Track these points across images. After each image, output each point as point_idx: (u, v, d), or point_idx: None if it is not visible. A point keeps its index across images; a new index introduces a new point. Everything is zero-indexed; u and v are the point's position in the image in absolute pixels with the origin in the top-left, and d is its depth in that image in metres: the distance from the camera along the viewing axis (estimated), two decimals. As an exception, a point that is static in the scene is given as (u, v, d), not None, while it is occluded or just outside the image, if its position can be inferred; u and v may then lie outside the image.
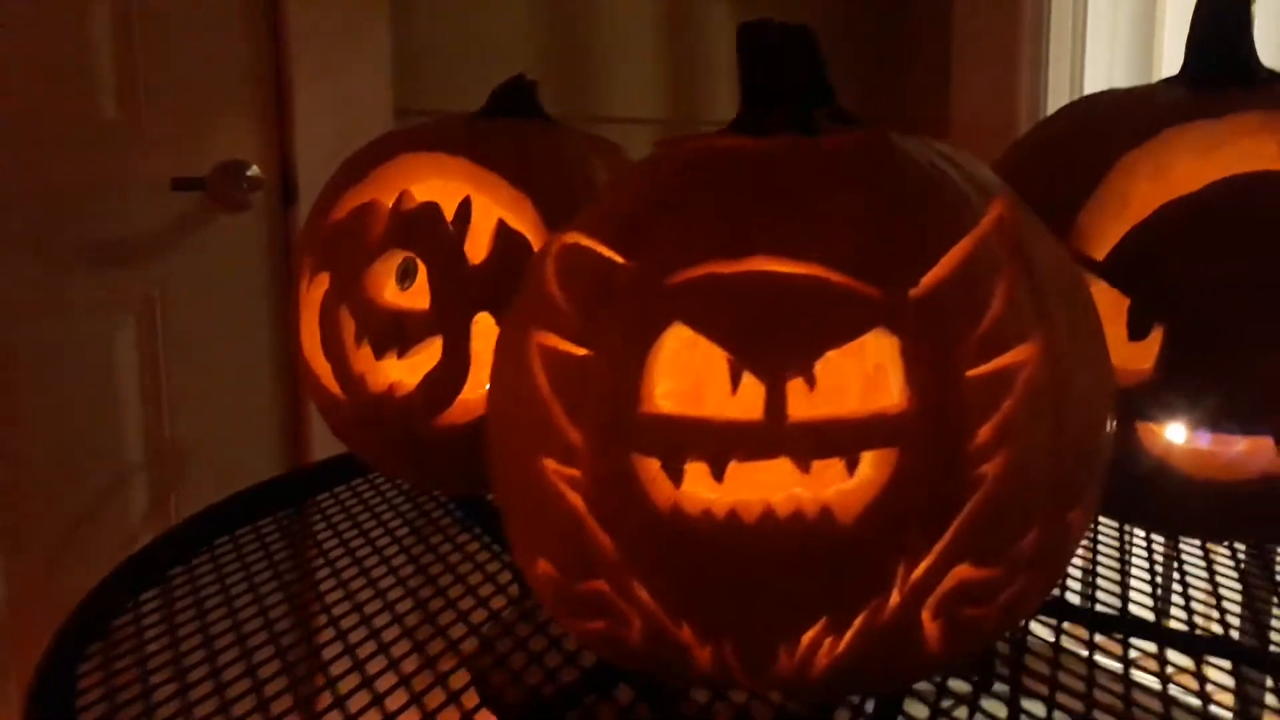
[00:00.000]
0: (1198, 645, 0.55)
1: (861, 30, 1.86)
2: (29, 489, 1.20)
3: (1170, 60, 1.60)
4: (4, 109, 1.15)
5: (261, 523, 0.73)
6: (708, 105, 1.72)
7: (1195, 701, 0.50)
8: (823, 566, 0.37)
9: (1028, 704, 0.49)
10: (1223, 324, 0.48)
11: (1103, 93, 0.61)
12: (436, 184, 0.60)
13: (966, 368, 0.37)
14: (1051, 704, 0.48)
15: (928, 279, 0.37)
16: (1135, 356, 0.49)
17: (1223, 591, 0.62)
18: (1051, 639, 0.55)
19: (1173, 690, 0.50)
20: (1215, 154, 0.50)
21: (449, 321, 0.58)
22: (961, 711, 0.49)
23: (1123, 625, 0.57)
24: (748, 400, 0.37)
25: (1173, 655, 0.55)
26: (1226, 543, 0.67)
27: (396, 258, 0.59)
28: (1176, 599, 0.61)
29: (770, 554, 0.37)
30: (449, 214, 0.59)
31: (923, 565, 0.37)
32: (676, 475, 0.37)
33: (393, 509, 0.76)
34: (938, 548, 0.37)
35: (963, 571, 0.37)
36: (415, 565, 0.67)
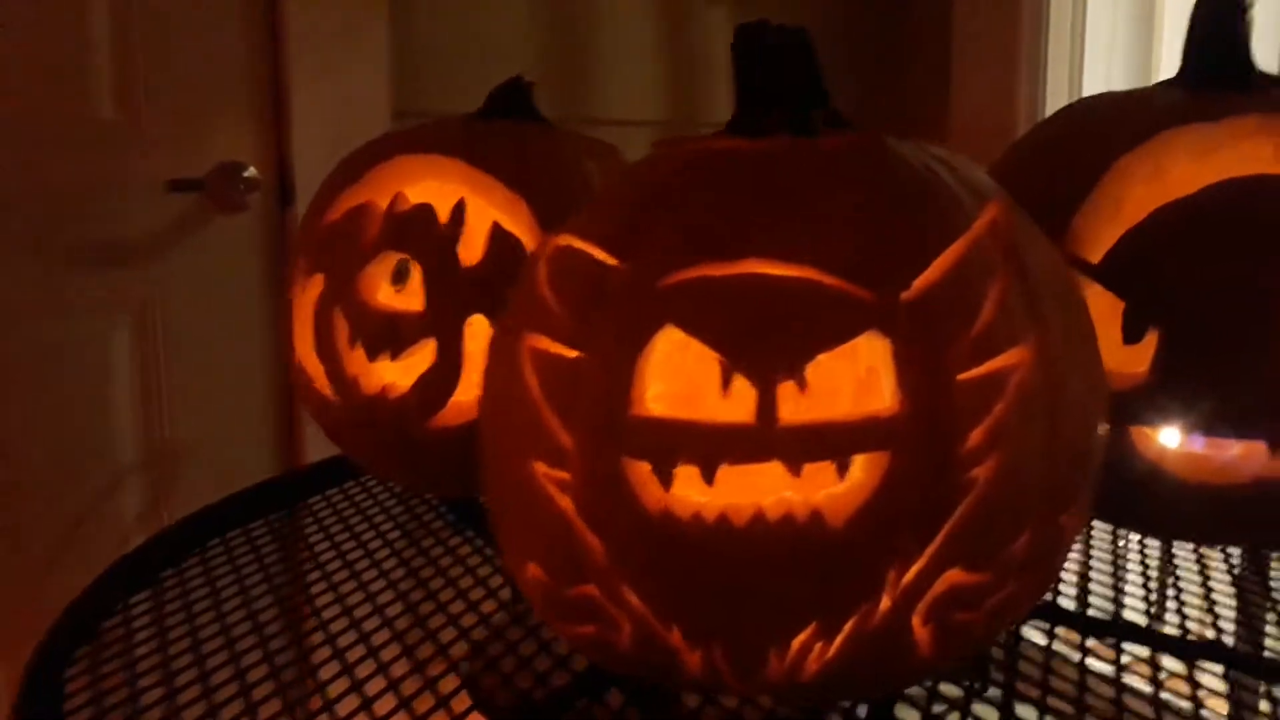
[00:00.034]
0: (1191, 650, 0.55)
1: (861, 31, 1.86)
2: (26, 489, 1.20)
3: (1169, 63, 1.60)
4: (2, 109, 1.15)
5: (253, 525, 0.73)
6: (706, 107, 1.72)
7: (1188, 706, 0.50)
8: (813, 570, 0.37)
9: (1020, 709, 0.48)
10: (1218, 328, 0.48)
11: (1101, 95, 0.61)
12: (432, 185, 0.60)
13: (958, 371, 0.36)
14: (1043, 708, 0.48)
15: (920, 282, 0.37)
16: (1130, 360, 0.49)
17: (1216, 596, 0.62)
18: (1044, 643, 0.54)
19: (1165, 695, 0.50)
20: (1212, 157, 0.50)
21: (443, 323, 0.57)
22: (953, 716, 0.49)
23: (1116, 630, 0.57)
24: (739, 403, 0.37)
25: (1166, 660, 0.54)
26: (1220, 547, 0.67)
27: (391, 259, 0.59)
28: (1170, 603, 0.61)
29: (760, 558, 0.37)
30: (444, 216, 0.59)
31: (914, 569, 0.36)
32: (667, 478, 0.37)
33: (384, 512, 0.76)
34: (929, 552, 0.36)
35: (954, 576, 0.37)
36: (407, 569, 0.67)
